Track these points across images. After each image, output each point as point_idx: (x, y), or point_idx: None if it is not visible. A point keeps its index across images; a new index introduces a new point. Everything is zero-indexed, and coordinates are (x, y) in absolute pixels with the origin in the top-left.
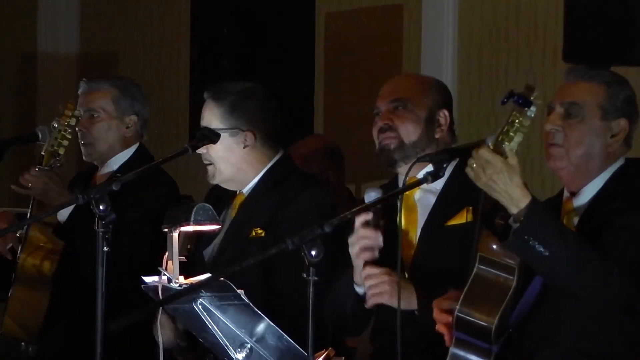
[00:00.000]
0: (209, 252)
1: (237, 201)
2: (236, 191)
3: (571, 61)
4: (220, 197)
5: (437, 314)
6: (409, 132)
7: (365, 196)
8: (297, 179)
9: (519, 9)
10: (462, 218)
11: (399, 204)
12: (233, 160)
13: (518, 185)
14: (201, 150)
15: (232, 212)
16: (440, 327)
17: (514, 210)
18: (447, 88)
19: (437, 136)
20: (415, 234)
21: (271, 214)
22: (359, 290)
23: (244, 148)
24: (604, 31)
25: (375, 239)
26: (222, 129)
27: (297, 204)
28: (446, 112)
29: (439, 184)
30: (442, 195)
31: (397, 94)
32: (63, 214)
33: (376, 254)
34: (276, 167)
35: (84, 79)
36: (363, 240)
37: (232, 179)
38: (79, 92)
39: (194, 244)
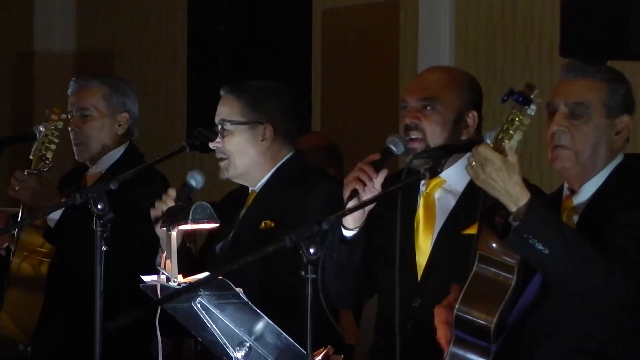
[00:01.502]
0: (220, 247)
1: (250, 198)
2: (249, 190)
3: (568, 56)
4: (237, 200)
5: (437, 323)
6: (436, 134)
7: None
8: (312, 175)
9: (515, 4)
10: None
11: (399, 200)
12: (249, 154)
13: (517, 183)
14: (215, 144)
15: (244, 209)
16: (439, 338)
17: (513, 208)
18: (479, 86)
19: (463, 137)
20: (431, 237)
21: (283, 207)
22: (347, 233)
23: (262, 141)
24: (600, 26)
25: (371, 174)
26: (243, 121)
27: (311, 198)
28: (475, 113)
29: (461, 185)
30: (462, 199)
31: (427, 91)
32: (53, 218)
33: (367, 193)
34: (289, 164)
35: (73, 78)
36: (359, 172)
37: (245, 173)
38: (68, 92)
39: (204, 241)
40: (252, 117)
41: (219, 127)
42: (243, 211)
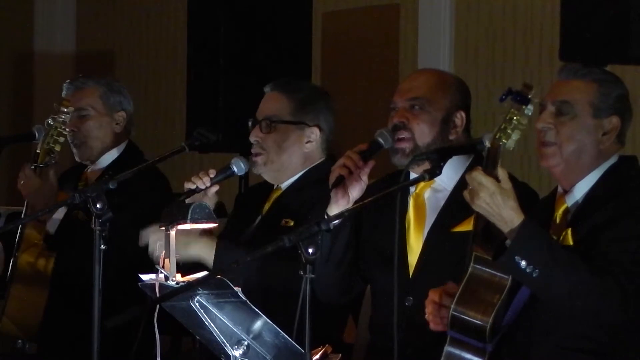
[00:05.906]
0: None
1: (274, 195)
2: (272, 186)
3: (568, 60)
4: (258, 193)
5: (427, 301)
6: (424, 133)
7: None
8: None
9: (515, 8)
10: (469, 225)
11: (398, 201)
12: (290, 153)
13: (512, 208)
14: (255, 138)
15: (267, 205)
16: (428, 315)
17: (507, 231)
18: (467, 87)
19: (451, 137)
20: (421, 236)
21: (305, 207)
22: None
23: (307, 143)
24: (600, 30)
25: (358, 162)
26: (290, 121)
27: None
28: (463, 114)
29: (449, 184)
30: (452, 197)
31: (415, 92)
32: (53, 224)
33: (352, 181)
34: (320, 167)
35: (67, 80)
36: (346, 159)
37: (279, 170)
38: (63, 95)
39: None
40: (301, 117)
41: (262, 122)
42: (266, 206)
